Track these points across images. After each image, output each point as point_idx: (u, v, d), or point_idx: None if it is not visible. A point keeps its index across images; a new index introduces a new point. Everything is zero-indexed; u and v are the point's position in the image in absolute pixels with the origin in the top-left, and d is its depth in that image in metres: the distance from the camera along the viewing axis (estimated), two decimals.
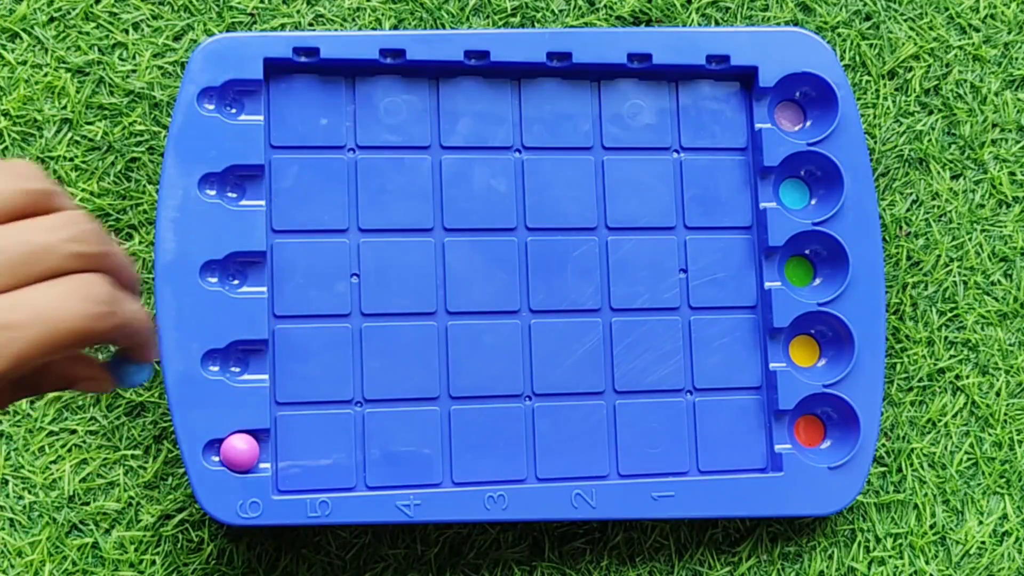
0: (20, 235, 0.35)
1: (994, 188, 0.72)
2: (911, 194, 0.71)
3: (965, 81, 0.72)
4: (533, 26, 0.69)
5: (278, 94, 0.62)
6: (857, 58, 0.71)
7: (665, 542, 0.67)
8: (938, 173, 0.71)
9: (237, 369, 0.59)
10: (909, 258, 0.70)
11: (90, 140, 0.65)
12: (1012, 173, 0.72)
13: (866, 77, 0.71)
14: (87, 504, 0.63)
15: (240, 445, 0.58)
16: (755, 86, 0.65)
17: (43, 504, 0.63)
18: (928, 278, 0.70)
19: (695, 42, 0.65)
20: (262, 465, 0.59)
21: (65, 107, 0.65)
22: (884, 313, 0.66)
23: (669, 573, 0.66)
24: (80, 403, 0.64)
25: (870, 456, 0.65)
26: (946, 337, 0.70)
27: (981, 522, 0.69)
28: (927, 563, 0.68)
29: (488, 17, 0.69)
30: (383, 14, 0.68)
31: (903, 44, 0.72)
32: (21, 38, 0.66)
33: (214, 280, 0.59)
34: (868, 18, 0.72)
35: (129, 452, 0.64)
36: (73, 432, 0.64)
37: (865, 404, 0.65)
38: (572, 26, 0.69)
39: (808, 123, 0.67)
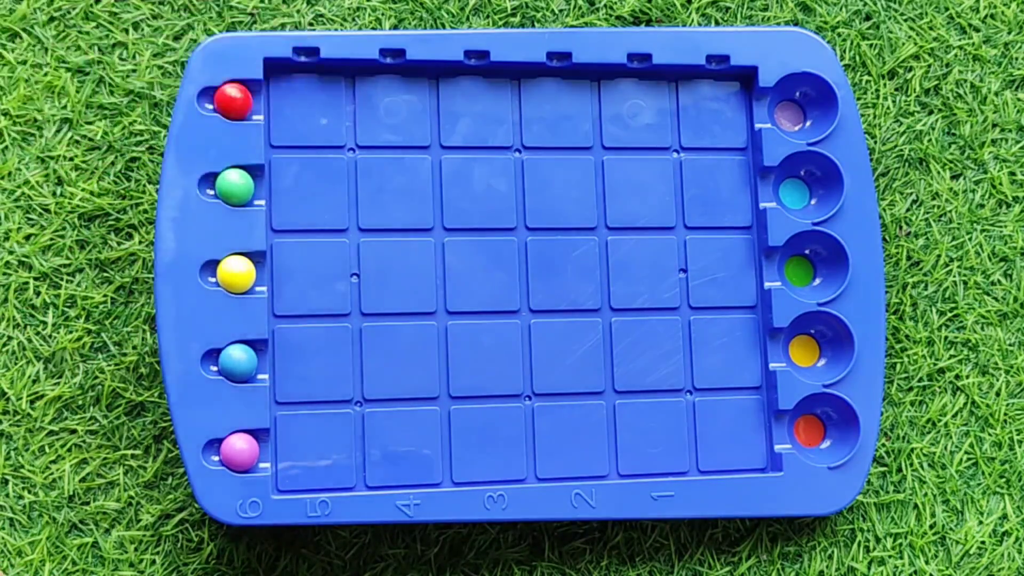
0: None
1: (994, 188, 0.72)
2: (911, 194, 0.71)
3: (965, 81, 0.72)
4: (533, 26, 0.69)
5: (278, 94, 0.62)
6: (857, 58, 0.71)
7: (665, 542, 0.67)
8: (938, 173, 0.71)
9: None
10: (909, 258, 0.70)
11: (90, 140, 0.65)
12: (1012, 173, 0.72)
13: (866, 77, 0.71)
14: (87, 504, 0.63)
15: (240, 445, 0.58)
16: (755, 86, 0.66)
17: (43, 504, 0.63)
18: (928, 278, 0.70)
19: (695, 42, 0.65)
20: (262, 465, 0.59)
21: (65, 107, 0.65)
22: (884, 313, 0.66)
23: (669, 573, 0.66)
24: (80, 403, 0.64)
25: (870, 456, 0.65)
26: (946, 337, 0.70)
27: (981, 522, 0.69)
28: (927, 563, 0.68)
29: (488, 17, 0.69)
30: (383, 14, 0.68)
31: (903, 44, 0.72)
32: (21, 38, 0.66)
33: (214, 280, 0.59)
34: (868, 18, 0.72)
35: (129, 452, 0.64)
36: (73, 432, 0.64)
37: (865, 404, 0.65)
38: (572, 26, 0.69)
39: (808, 123, 0.67)
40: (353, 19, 0.68)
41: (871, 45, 0.71)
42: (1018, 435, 0.70)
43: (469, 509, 0.60)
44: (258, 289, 0.60)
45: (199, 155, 0.59)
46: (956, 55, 0.72)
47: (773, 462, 0.64)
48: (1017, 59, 0.73)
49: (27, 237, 0.64)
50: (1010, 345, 0.70)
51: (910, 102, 0.71)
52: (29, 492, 0.63)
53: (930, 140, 0.71)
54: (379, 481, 0.60)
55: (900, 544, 0.68)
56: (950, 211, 0.71)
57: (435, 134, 0.63)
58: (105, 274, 0.65)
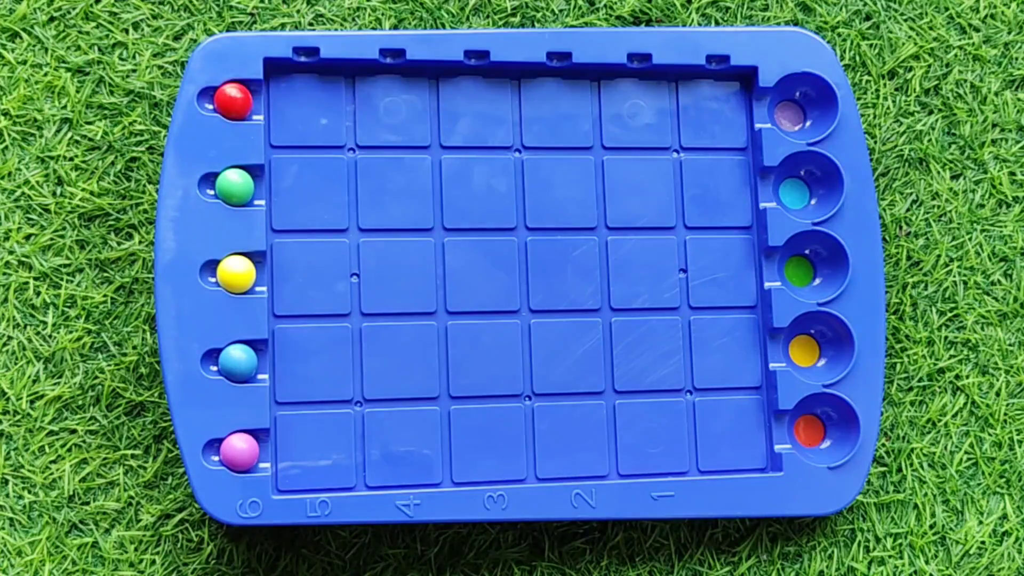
0: None
1: (994, 188, 0.72)
2: (911, 194, 0.71)
3: (965, 81, 0.72)
4: (533, 26, 0.69)
5: (278, 94, 0.62)
6: (857, 58, 0.71)
7: (665, 542, 0.67)
8: (938, 173, 0.71)
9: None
10: (909, 258, 0.70)
11: (90, 140, 0.65)
12: (1012, 173, 0.72)
13: (866, 77, 0.71)
14: (87, 504, 0.63)
15: (240, 445, 0.58)
16: (755, 86, 0.66)
17: (43, 504, 0.63)
18: (928, 278, 0.70)
19: (695, 42, 0.65)
20: (262, 465, 0.59)
21: (65, 107, 0.65)
22: (884, 313, 0.66)
23: (669, 573, 0.66)
24: (80, 403, 0.64)
25: (870, 456, 0.65)
26: (946, 337, 0.70)
27: (981, 522, 0.69)
28: (927, 563, 0.68)
29: (488, 17, 0.69)
30: (383, 14, 0.68)
31: (903, 44, 0.72)
32: (21, 38, 0.66)
33: (214, 280, 0.59)
34: (868, 18, 0.72)
35: (129, 452, 0.64)
36: (73, 432, 0.64)
37: (865, 404, 0.65)
38: (572, 26, 0.69)
39: (808, 123, 0.67)
40: (353, 19, 0.68)
41: (871, 45, 0.71)
42: (1018, 435, 0.70)
43: (469, 509, 0.60)
44: (258, 289, 0.60)
45: (199, 155, 0.59)
46: (956, 55, 0.72)
47: (773, 462, 0.64)
48: (1017, 59, 0.73)
49: (27, 237, 0.64)
50: (1010, 345, 0.70)
51: (910, 102, 0.71)
52: (29, 492, 0.63)
53: (930, 140, 0.71)
54: (379, 481, 0.60)
55: (900, 544, 0.68)
56: (950, 211, 0.71)
57: (435, 134, 0.63)
58: (105, 274, 0.65)
